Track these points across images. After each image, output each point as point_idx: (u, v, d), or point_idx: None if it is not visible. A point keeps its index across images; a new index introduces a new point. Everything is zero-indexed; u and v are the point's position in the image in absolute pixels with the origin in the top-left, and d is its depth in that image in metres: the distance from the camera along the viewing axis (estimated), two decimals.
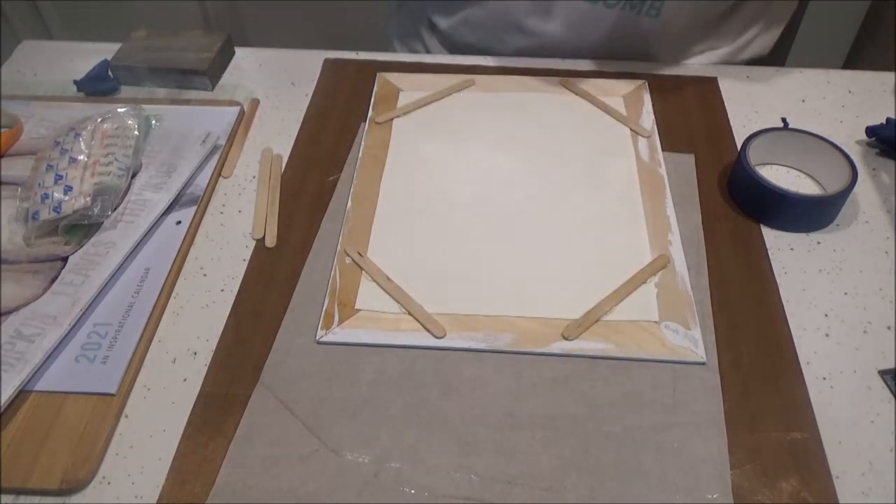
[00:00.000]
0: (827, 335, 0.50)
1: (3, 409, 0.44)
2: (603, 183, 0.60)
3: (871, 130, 0.64)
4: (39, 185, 0.56)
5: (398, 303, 0.51)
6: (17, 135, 0.64)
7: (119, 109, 0.62)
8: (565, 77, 0.70)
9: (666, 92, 0.69)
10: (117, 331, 0.49)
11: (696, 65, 0.74)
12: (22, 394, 0.46)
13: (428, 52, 0.83)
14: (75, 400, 0.46)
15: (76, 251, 0.54)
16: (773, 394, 0.46)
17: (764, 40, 0.77)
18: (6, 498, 0.42)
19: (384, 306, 0.51)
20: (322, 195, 0.60)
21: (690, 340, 0.48)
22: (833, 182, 0.57)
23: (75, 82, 0.70)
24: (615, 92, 0.69)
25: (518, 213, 0.58)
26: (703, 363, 0.48)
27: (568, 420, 0.45)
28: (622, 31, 0.71)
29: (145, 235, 0.55)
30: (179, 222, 0.57)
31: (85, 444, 0.43)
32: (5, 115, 0.66)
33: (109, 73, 0.71)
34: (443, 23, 0.79)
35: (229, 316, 0.51)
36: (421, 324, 0.50)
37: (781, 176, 0.61)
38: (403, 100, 0.69)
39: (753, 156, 0.58)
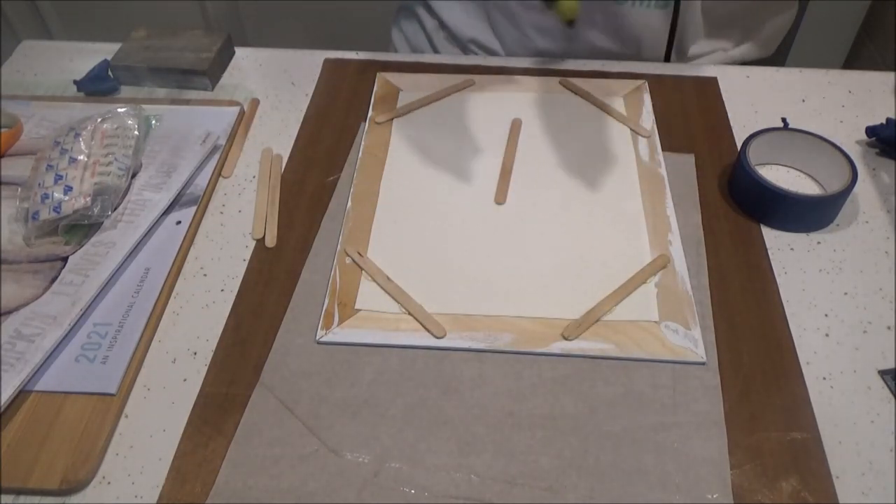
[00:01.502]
0: (827, 335, 0.50)
1: (3, 409, 0.44)
2: (603, 183, 0.60)
3: (871, 130, 0.64)
4: (39, 185, 0.56)
5: (398, 303, 0.51)
6: (17, 135, 0.64)
7: (119, 109, 0.62)
8: (565, 77, 0.70)
9: (666, 92, 0.69)
10: (117, 331, 0.49)
11: (697, 65, 0.74)
12: (22, 394, 0.46)
13: (436, 51, 0.83)
14: (75, 400, 0.46)
15: (76, 251, 0.54)
16: (773, 394, 0.46)
17: (768, 43, 0.78)
18: (6, 498, 0.42)
19: (384, 306, 0.51)
20: (322, 195, 0.60)
21: (690, 340, 0.48)
22: (833, 182, 0.57)
23: (75, 82, 0.70)
24: (615, 92, 0.69)
25: (518, 212, 0.58)
26: (703, 363, 0.48)
27: (568, 420, 0.45)
28: (633, 25, 0.71)
29: (145, 235, 0.55)
30: (179, 222, 0.57)
31: (85, 444, 0.43)
32: (5, 115, 0.66)
33: (109, 73, 0.71)
34: (456, 21, 0.79)
35: (229, 316, 0.51)
36: (421, 324, 0.50)
37: (781, 176, 0.61)
38: (403, 100, 0.69)
39: (753, 156, 0.58)
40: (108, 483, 0.43)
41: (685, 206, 0.58)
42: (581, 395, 0.46)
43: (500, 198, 0.59)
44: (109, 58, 0.71)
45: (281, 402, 0.46)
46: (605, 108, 0.67)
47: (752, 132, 0.60)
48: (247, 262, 0.55)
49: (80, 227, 0.56)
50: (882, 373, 0.47)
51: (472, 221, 0.57)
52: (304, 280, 0.53)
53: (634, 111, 0.67)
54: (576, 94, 0.69)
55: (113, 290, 0.52)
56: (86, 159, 0.57)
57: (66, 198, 0.54)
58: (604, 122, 0.66)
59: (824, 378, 0.47)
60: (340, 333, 0.49)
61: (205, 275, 0.54)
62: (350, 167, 0.62)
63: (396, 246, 0.56)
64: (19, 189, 0.58)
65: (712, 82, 0.70)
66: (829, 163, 0.58)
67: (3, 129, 0.64)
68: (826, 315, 0.51)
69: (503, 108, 0.68)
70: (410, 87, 0.70)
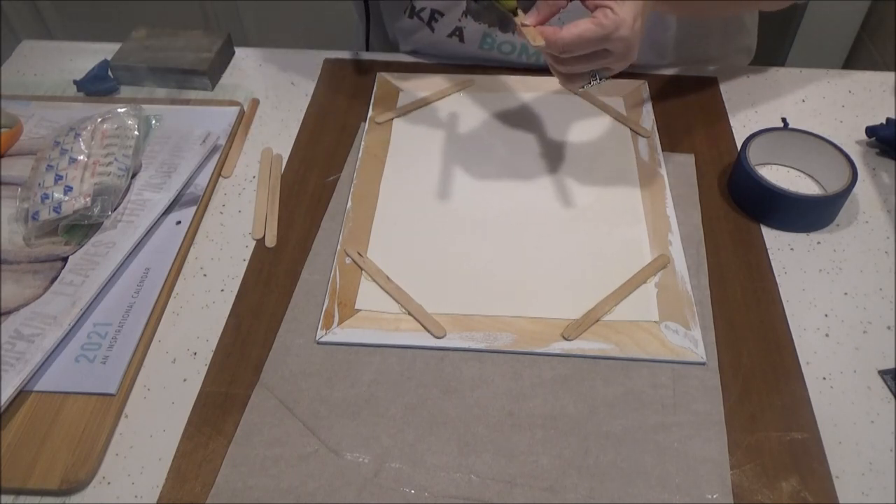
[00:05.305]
0: (827, 335, 0.50)
1: (3, 409, 0.44)
2: (603, 183, 0.60)
3: (870, 130, 0.64)
4: (39, 185, 0.56)
5: (398, 303, 0.51)
6: (17, 135, 0.64)
7: (119, 109, 0.62)
8: None
9: (666, 92, 0.69)
10: (117, 331, 0.49)
11: (696, 65, 0.74)
12: (22, 394, 0.46)
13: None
14: (75, 400, 0.46)
15: (76, 251, 0.54)
16: (773, 394, 0.46)
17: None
18: (6, 498, 0.42)
19: (384, 306, 0.51)
20: (322, 195, 0.60)
21: (690, 340, 0.48)
22: (833, 182, 0.57)
23: (75, 82, 0.70)
24: (615, 92, 0.69)
25: (518, 212, 0.58)
26: (703, 363, 0.48)
27: (568, 420, 0.45)
28: None
29: (145, 235, 0.55)
30: (179, 222, 0.57)
31: (85, 444, 0.43)
32: (5, 115, 0.66)
33: (109, 73, 0.71)
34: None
35: (229, 316, 0.51)
36: (421, 324, 0.50)
37: (781, 176, 0.61)
38: (403, 100, 0.69)
39: (753, 156, 0.58)
40: (108, 483, 0.43)
41: (685, 206, 0.58)
42: (581, 395, 0.46)
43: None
44: (109, 58, 0.71)
45: (281, 402, 0.46)
46: (605, 108, 0.67)
47: (752, 132, 0.60)
48: (247, 262, 0.55)
49: (80, 227, 0.56)
50: (882, 373, 0.47)
51: (472, 221, 0.57)
52: (304, 280, 0.53)
53: (634, 111, 0.67)
54: (576, 94, 0.69)
55: (113, 290, 0.52)
56: (86, 159, 0.57)
57: (66, 198, 0.54)
58: (604, 122, 0.66)
59: (824, 378, 0.47)
60: (340, 333, 0.49)
61: (205, 275, 0.54)
62: (350, 167, 0.62)
63: (396, 246, 0.56)
64: (19, 189, 0.58)
65: (712, 82, 0.70)
66: (829, 163, 0.58)
67: (3, 129, 0.64)
68: (826, 315, 0.51)
69: (503, 108, 0.68)
70: (410, 87, 0.70)
